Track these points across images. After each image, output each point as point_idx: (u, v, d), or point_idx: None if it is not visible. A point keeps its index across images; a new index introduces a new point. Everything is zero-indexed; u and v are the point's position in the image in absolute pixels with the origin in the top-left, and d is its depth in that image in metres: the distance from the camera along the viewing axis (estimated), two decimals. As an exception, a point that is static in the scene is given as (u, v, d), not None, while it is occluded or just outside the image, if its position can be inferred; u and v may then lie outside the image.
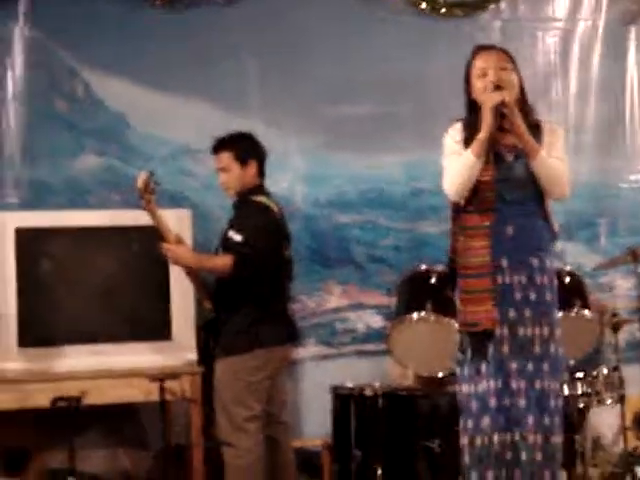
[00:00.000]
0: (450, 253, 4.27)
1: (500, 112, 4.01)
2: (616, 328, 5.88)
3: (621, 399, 5.63)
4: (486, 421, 4.03)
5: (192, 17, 6.25)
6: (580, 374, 5.48)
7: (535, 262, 4.08)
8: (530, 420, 4.01)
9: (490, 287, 4.02)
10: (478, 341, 4.04)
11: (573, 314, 5.49)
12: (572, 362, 5.56)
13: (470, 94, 4.20)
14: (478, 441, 4.05)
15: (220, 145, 5.15)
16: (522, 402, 4.01)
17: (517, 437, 4.00)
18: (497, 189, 4.06)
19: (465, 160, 4.05)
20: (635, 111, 6.79)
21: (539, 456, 4.01)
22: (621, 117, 6.78)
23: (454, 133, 4.21)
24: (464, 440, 4.10)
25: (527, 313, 4.05)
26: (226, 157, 5.11)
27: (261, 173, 5.18)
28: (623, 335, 6.08)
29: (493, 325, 4.01)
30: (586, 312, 5.50)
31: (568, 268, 5.85)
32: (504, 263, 4.06)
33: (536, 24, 6.71)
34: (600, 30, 6.78)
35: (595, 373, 5.54)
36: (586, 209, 6.67)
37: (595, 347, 5.67)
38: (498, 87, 4.06)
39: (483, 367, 4.03)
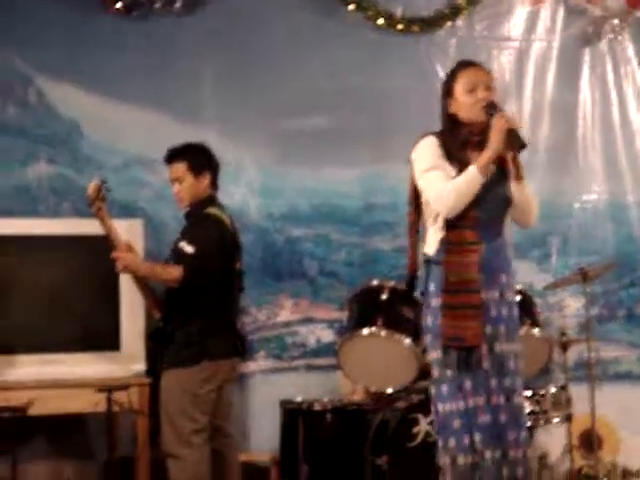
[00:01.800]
0: (411, 269, 4.26)
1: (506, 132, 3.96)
2: (565, 347, 5.92)
3: (568, 418, 5.66)
4: (476, 438, 3.95)
5: (149, 26, 6.22)
6: (528, 393, 5.49)
7: (504, 279, 4.09)
8: (511, 436, 3.99)
9: (479, 303, 3.99)
10: (460, 358, 3.99)
11: (523, 333, 5.49)
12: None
13: (448, 107, 4.10)
14: (461, 460, 3.97)
15: (174, 155, 5.11)
16: (503, 418, 3.98)
17: (497, 454, 3.97)
18: (480, 206, 4.05)
19: (471, 177, 3.95)
20: (587, 131, 6.83)
21: (521, 472, 3.98)
22: (574, 137, 6.82)
23: (434, 148, 4.06)
24: (446, 459, 4.00)
25: (501, 329, 4.03)
26: (180, 167, 5.08)
27: (214, 185, 5.16)
28: (571, 354, 6.12)
29: (479, 341, 3.97)
30: (536, 331, 5.51)
31: (519, 287, 5.84)
32: (481, 279, 4.06)
33: (491, 43, 6.74)
34: (555, 51, 6.83)
35: (543, 392, 5.55)
36: (538, 228, 6.64)
37: (544, 366, 5.67)
38: (493, 106, 4.01)
39: (468, 384, 3.98)
